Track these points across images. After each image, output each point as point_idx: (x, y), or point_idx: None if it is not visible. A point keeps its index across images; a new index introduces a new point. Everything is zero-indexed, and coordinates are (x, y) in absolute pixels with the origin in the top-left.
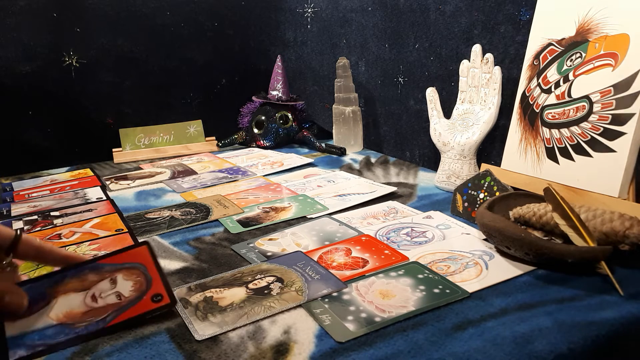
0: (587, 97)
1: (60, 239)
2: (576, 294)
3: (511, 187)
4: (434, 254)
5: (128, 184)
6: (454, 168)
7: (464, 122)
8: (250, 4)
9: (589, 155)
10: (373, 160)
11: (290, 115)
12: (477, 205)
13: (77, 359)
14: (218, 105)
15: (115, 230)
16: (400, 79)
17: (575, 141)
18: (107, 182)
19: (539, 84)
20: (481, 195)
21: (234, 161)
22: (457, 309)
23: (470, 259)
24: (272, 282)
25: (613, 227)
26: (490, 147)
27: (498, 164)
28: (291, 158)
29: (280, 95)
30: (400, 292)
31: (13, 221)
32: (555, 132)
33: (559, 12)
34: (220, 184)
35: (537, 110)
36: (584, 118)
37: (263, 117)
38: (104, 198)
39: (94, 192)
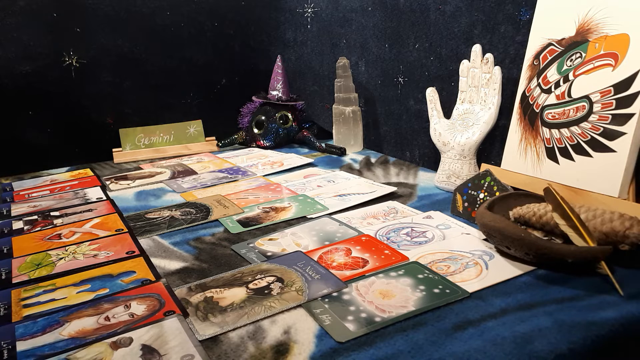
0: (587, 97)
1: (60, 239)
2: (576, 294)
3: (511, 187)
4: (434, 254)
5: (128, 184)
6: (454, 168)
7: (464, 122)
8: (250, 4)
9: (589, 155)
10: (373, 160)
11: (290, 115)
12: (477, 205)
13: None
14: (218, 105)
15: (115, 230)
16: (400, 79)
17: (575, 141)
18: (107, 182)
19: (539, 84)
20: (481, 195)
21: (234, 161)
22: (457, 309)
23: (470, 259)
24: (272, 282)
25: (613, 227)
26: (490, 147)
27: (498, 164)
28: (291, 158)
29: (280, 95)
30: (400, 292)
31: (13, 221)
32: (555, 132)
33: (559, 12)
34: (220, 184)
35: (537, 110)
36: (584, 118)
37: (263, 117)
38: (104, 198)
39: (94, 192)
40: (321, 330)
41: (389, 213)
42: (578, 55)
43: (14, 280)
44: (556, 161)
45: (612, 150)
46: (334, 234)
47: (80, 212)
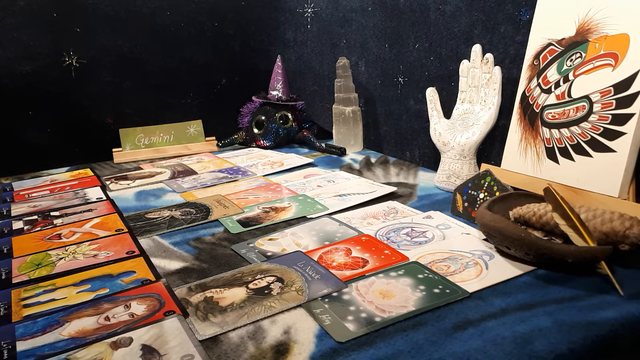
0: (587, 97)
1: (60, 239)
2: (576, 294)
3: (511, 187)
4: (434, 254)
5: (128, 184)
6: (454, 168)
7: (464, 122)
8: (250, 4)
9: (589, 155)
10: (373, 160)
11: (290, 115)
12: (477, 205)
13: None
14: (218, 105)
15: (115, 230)
16: (400, 79)
17: (575, 141)
18: (107, 182)
19: (539, 84)
20: (481, 195)
21: (234, 161)
22: (457, 309)
23: (470, 259)
24: (273, 282)
25: (613, 227)
26: (490, 147)
27: (498, 164)
28: (291, 158)
29: (280, 95)
30: (400, 292)
31: (13, 221)
32: (555, 132)
33: (559, 12)
34: (220, 184)
35: (537, 110)
36: (584, 118)
37: (263, 117)
38: (104, 198)
39: (94, 192)
40: (321, 330)
41: (389, 213)
42: (578, 55)
43: (14, 280)
44: (556, 161)
45: (612, 150)
46: (334, 234)
47: (80, 212)
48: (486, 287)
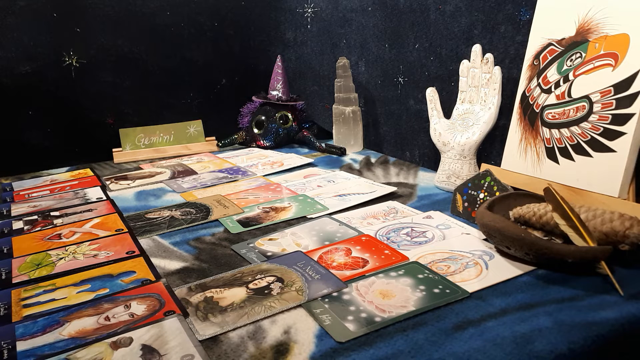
0: (587, 97)
1: (60, 239)
2: (576, 294)
3: (511, 187)
4: (434, 254)
5: (128, 184)
6: (454, 168)
7: (464, 122)
8: (250, 4)
9: (589, 155)
10: (373, 160)
11: (290, 115)
12: (477, 205)
13: None
14: (218, 105)
15: (115, 230)
16: (400, 79)
17: (575, 141)
18: (107, 182)
19: (539, 84)
20: (481, 195)
21: (234, 161)
22: (457, 309)
23: (470, 259)
24: (273, 282)
25: (613, 227)
26: (490, 147)
27: (498, 164)
28: (291, 158)
29: (280, 95)
30: (400, 292)
31: (13, 221)
32: (555, 132)
33: (559, 12)
34: (220, 184)
35: (537, 110)
36: (584, 118)
37: (263, 117)
38: (104, 198)
39: (94, 192)
40: (321, 330)
41: (389, 213)
42: (578, 55)
43: (14, 280)
44: (556, 161)
45: (612, 150)
46: (334, 234)
47: (80, 212)
48: (486, 287)
